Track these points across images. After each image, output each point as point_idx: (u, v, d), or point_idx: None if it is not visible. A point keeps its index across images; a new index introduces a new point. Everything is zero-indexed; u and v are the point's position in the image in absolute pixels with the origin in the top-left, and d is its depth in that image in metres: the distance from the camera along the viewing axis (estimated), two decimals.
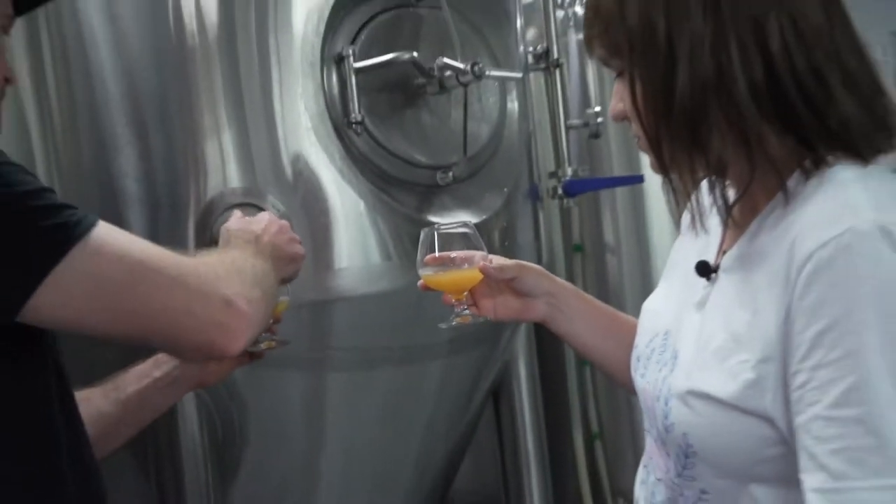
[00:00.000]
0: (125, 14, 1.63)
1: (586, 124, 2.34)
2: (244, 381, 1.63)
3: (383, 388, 1.79)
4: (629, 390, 1.34)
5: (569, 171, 2.26)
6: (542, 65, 2.26)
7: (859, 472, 0.89)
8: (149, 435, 1.58)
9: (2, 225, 1.11)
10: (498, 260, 1.36)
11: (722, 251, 1.12)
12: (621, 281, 2.98)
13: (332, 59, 1.64)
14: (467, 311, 1.34)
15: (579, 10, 2.84)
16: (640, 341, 1.21)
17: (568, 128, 2.29)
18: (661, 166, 1.07)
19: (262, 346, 1.41)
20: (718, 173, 1.05)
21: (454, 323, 1.34)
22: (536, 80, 2.41)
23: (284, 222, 1.39)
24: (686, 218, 1.22)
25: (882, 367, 0.90)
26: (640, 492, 1.18)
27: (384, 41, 1.69)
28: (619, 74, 1.10)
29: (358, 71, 1.62)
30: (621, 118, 1.12)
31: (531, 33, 2.65)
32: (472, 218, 1.79)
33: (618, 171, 2.62)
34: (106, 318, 1.17)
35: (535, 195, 2.09)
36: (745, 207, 1.09)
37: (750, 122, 1.00)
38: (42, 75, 1.68)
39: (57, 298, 1.12)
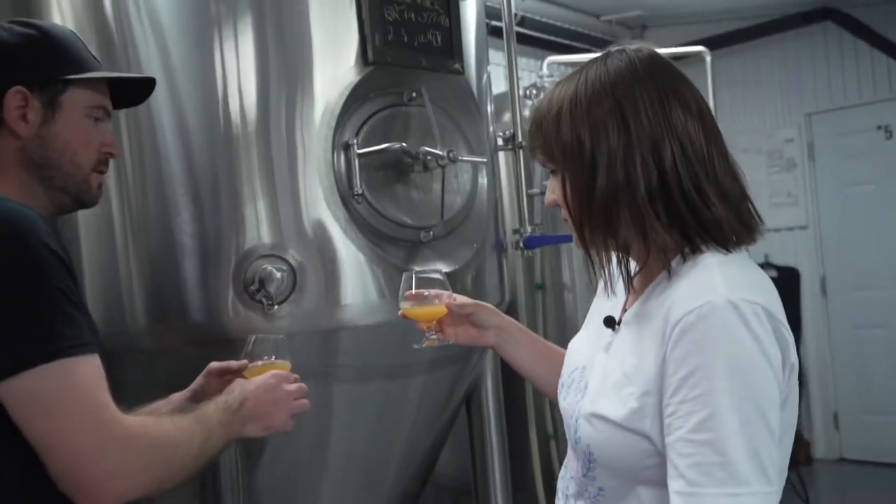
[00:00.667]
0: (187, 108, 1.76)
1: (542, 193, 2.47)
2: None
3: (376, 396, 1.90)
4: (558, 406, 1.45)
5: (528, 229, 2.40)
6: (510, 146, 2.40)
7: (708, 482, 1.01)
8: None
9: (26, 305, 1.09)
10: (461, 298, 1.45)
11: (624, 309, 1.24)
12: (576, 312, 3.09)
13: (340, 146, 1.77)
14: (434, 336, 1.45)
15: None
16: (564, 372, 1.32)
17: (529, 196, 2.43)
18: (583, 244, 1.19)
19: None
20: (624, 252, 1.17)
21: (424, 345, 1.45)
22: (505, 157, 2.55)
23: (286, 388, 1.39)
24: (601, 283, 1.35)
25: (727, 405, 1.02)
26: (560, 484, 1.29)
27: (381, 132, 1.82)
28: (553, 172, 1.20)
29: (360, 155, 1.76)
30: (553, 205, 1.23)
31: (506, 116, 2.79)
32: (447, 267, 1.92)
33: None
34: (25, 417, 1.09)
35: (500, 247, 2.22)
36: (643, 277, 1.21)
37: (647, 218, 1.12)
38: (120, 147, 1.75)
39: (21, 386, 1.07)
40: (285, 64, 1.79)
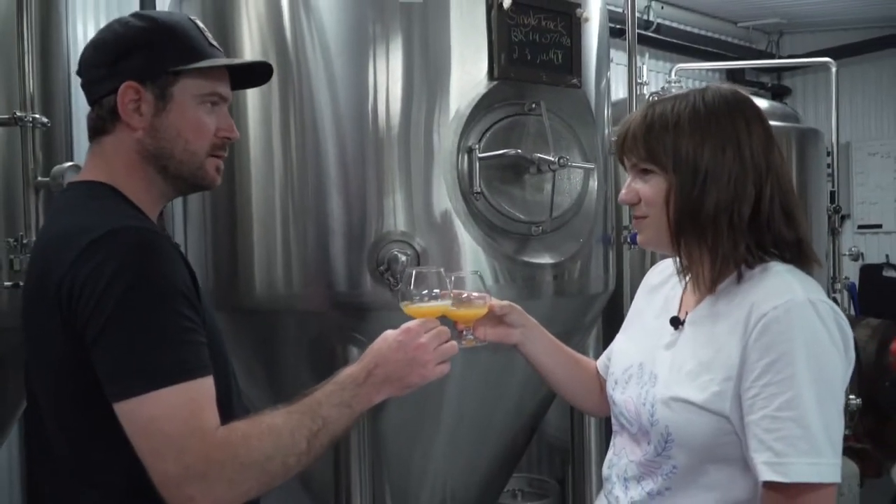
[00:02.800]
0: (344, 113, 1.88)
1: None
2: None
3: (485, 365, 1.97)
4: (571, 403, 1.51)
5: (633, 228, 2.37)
6: None
7: (794, 452, 1.07)
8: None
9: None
10: (494, 300, 1.41)
11: (684, 311, 1.26)
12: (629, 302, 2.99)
13: (465, 150, 1.84)
14: (472, 337, 1.38)
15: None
16: (616, 370, 1.36)
17: None
18: (675, 247, 1.21)
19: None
20: (714, 257, 1.18)
21: (463, 345, 1.35)
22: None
23: (419, 342, 1.25)
24: (661, 277, 1.36)
25: (807, 387, 1.07)
26: (612, 471, 1.32)
27: (502, 138, 1.88)
28: (643, 173, 1.22)
29: (481, 158, 1.83)
30: (630, 203, 1.25)
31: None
32: (552, 258, 1.96)
33: None
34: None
35: (606, 241, 2.22)
36: (705, 281, 1.23)
37: (738, 232, 1.17)
38: (288, 145, 1.92)
39: (124, 410, 1.03)
40: (426, 78, 1.88)
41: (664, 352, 1.25)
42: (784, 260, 1.18)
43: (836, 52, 3.97)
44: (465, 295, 1.36)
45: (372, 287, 1.80)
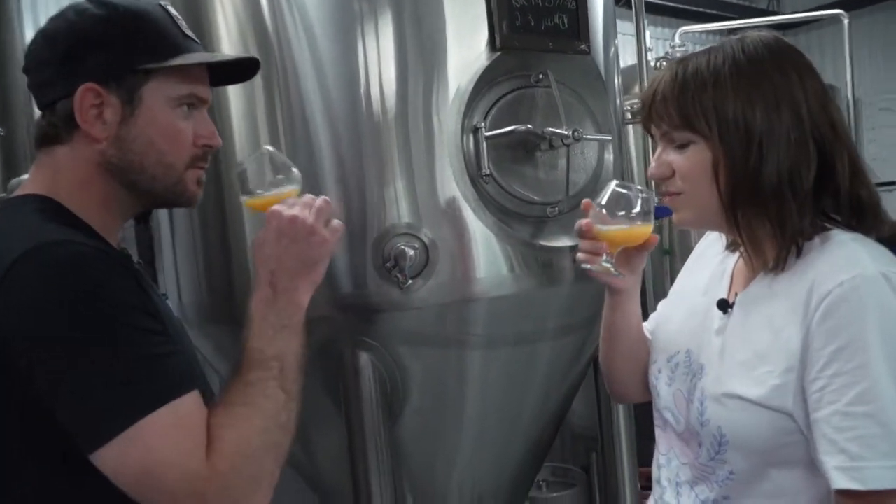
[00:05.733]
0: (334, 98, 1.71)
1: None
2: (406, 353, 1.71)
3: (506, 361, 1.82)
4: (612, 383, 1.28)
5: (656, 200, 2.21)
6: (638, 119, 2.21)
7: (871, 454, 0.89)
8: (340, 387, 1.69)
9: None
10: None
11: (734, 292, 1.10)
12: (675, 273, 2.86)
13: (469, 130, 1.67)
14: (611, 264, 1.12)
15: None
16: (659, 357, 1.18)
17: None
18: (734, 225, 1.03)
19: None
20: (783, 232, 1.00)
21: (597, 269, 1.12)
22: (635, 129, 2.36)
23: (303, 225, 1.04)
24: (712, 249, 1.19)
25: (886, 376, 0.89)
26: (663, 473, 1.16)
27: (508, 114, 1.70)
28: (680, 146, 1.03)
29: (488, 137, 1.66)
30: (663, 178, 1.08)
31: (635, 89, 2.59)
32: (572, 241, 1.80)
33: None
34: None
35: None
36: (756, 257, 1.06)
37: (804, 203, 0.99)
38: (276, 138, 1.75)
39: (105, 458, 0.88)
40: (421, 54, 1.70)
41: (714, 338, 1.09)
42: (849, 227, 1.01)
43: (845, 4, 3.77)
44: (622, 204, 1.08)
45: (378, 286, 1.64)
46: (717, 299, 1.11)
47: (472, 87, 1.67)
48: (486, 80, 1.69)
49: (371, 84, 1.69)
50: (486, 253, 1.68)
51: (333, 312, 1.70)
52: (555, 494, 2.68)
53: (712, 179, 1.01)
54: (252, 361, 1.01)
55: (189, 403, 0.93)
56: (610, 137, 1.84)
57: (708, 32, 4.27)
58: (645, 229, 1.11)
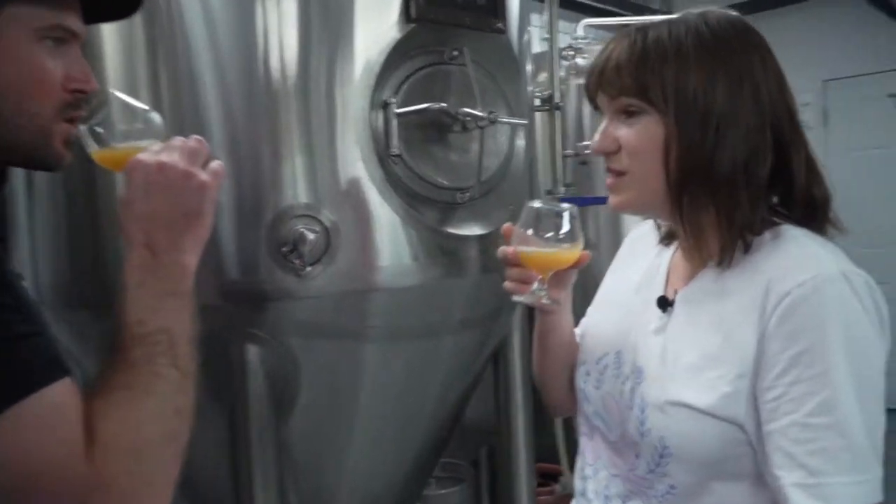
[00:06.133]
0: (227, 61, 1.53)
1: (577, 154, 2.24)
2: (299, 346, 1.56)
3: (407, 355, 1.71)
4: (548, 394, 1.20)
5: (562, 190, 2.17)
6: (546, 107, 2.16)
7: (834, 469, 0.82)
8: (224, 379, 1.52)
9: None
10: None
11: (673, 290, 1.03)
12: (601, 269, 2.87)
13: (379, 105, 1.54)
14: (545, 292, 1.03)
15: (580, 61, 2.72)
16: (587, 358, 1.09)
17: (564, 157, 2.20)
18: (676, 214, 0.94)
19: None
20: (730, 224, 0.92)
21: (527, 302, 1.03)
22: (542, 117, 2.30)
23: (159, 161, 0.87)
24: (643, 242, 1.13)
25: (848, 385, 0.83)
26: (586, 485, 1.06)
27: (420, 91, 1.59)
28: (632, 114, 0.93)
29: (399, 115, 1.53)
30: (607, 153, 0.96)
31: (541, 77, 2.53)
32: (481, 229, 1.71)
33: (600, 190, 2.50)
34: None
35: None
36: (699, 251, 1.00)
37: (758, 192, 0.92)
38: (159, 99, 1.56)
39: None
40: (327, 20, 1.55)
41: (652, 339, 1.00)
42: (797, 222, 0.95)
43: (748, 7, 3.88)
44: (544, 226, 0.99)
45: (272, 272, 1.47)
46: (652, 296, 1.03)
47: (383, 59, 1.54)
48: (398, 53, 1.56)
49: (270, 49, 1.53)
50: (391, 239, 1.56)
51: (218, 301, 1.52)
52: (444, 491, 2.60)
53: (662, 158, 0.93)
54: (133, 337, 0.85)
55: (62, 392, 0.78)
56: (526, 122, 1.76)
57: (614, 27, 4.31)
58: (576, 249, 1.02)
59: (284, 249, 1.43)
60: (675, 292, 1.00)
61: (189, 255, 0.90)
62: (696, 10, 0.96)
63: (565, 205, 1.02)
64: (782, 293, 0.86)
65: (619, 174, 0.97)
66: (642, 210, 1.02)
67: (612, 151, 0.97)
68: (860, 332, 0.86)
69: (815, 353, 0.84)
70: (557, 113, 2.15)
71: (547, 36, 2.58)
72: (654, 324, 1.01)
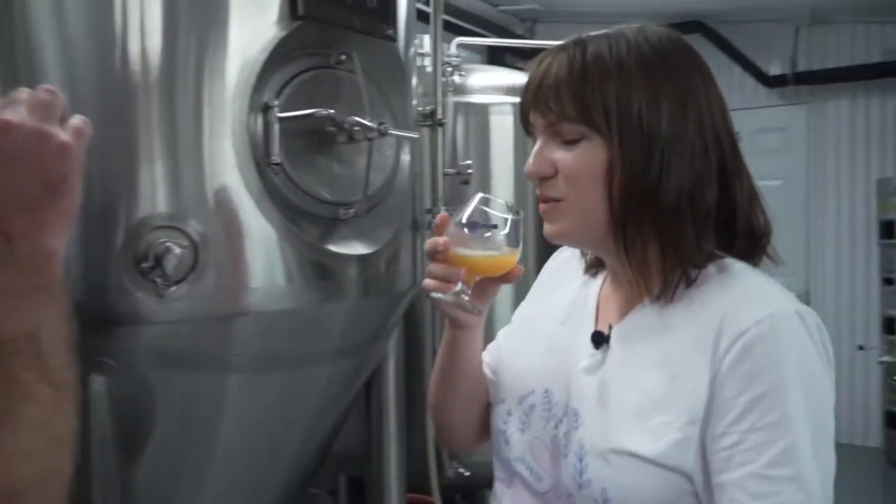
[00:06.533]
0: (77, 45, 1.33)
1: (458, 173, 2.17)
2: (153, 376, 1.36)
3: (277, 385, 1.55)
4: (448, 429, 1.09)
5: (442, 209, 2.09)
6: (429, 122, 2.07)
7: None
8: None
9: None
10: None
11: (607, 324, 0.95)
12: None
13: (259, 107, 1.38)
14: (467, 296, 0.92)
15: (457, 78, 2.66)
16: (508, 395, 0.99)
17: (445, 175, 2.12)
18: (619, 245, 0.87)
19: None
20: (677, 256, 0.86)
21: (447, 299, 0.91)
22: (421, 133, 2.21)
23: (6, 122, 0.67)
24: (566, 270, 1.05)
25: (806, 433, 0.78)
26: None
27: (304, 96, 1.44)
28: (571, 139, 0.86)
29: (281, 119, 1.38)
30: (542, 178, 0.89)
31: (419, 91, 2.44)
32: (365, 248, 1.58)
33: None
34: None
35: (415, 228, 1.90)
36: (634, 284, 0.92)
37: (703, 222, 0.85)
38: None
39: None
40: (195, 4, 1.37)
41: (585, 378, 0.91)
42: (736, 255, 0.90)
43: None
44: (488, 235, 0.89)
45: (125, 292, 1.27)
46: (581, 330, 0.95)
47: (265, 57, 1.38)
48: (281, 52, 1.41)
49: (129, 32, 1.33)
50: (266, 257, 1.40)
51: None
52: None
53: (604, 184, 0.85)
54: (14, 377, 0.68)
55: None
56: (416, 135, 1.66)
57: (482, 46, 4.33)
58: (513, 256, 0.93)
59: (144, 266, 1.23)
60: (610, 327, 0.92)
61: (53, 236, 0.71)
62: (633, 25, 0.90)
63: (510, 204, 0.93)
64: (738, 331, 0.80)
65: (554, 202, 0.88)
66: (580, 240, 0.94)
67: (548, 176, 0.88)
68: (814, 374, 0.81)
69: (774, 397, 0.78)
70: (440, 129, 2.07)
71: (422, 51, 2.51)
72: (587, 361, 0.93)
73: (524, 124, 0.93)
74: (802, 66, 5.36)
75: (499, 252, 0.91)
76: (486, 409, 1.06)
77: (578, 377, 0.92)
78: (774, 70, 5.39)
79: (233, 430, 1.54)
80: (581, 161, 0.86)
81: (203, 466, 1.54)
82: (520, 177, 2.77)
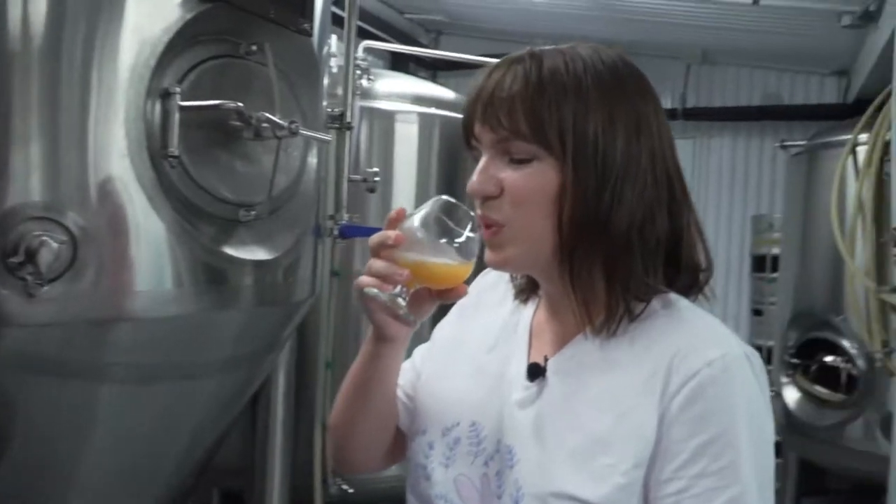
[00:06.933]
0: None
1: (365, 180, 2.09)
2: (14, 384, 1.21)
3: (158, 398, 1.41)
4: (352, 449, 1.00)
5: (345, 217, 2.00)
6: (336, 125, 1.99)
7: None
8: None
9: None
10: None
11: (542, 355, 0.88)
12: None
13: (157, 93, 1.25)
14: (404, 302, 0.84)
15: (364, 82, 2.58)
16: (429, 426, 0.91)
17: (350, 181, 2.03)
18: (566, 274, 0.82)
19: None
20: (624, 288, 0.82)
21: (383, 298, 0.82)
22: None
23: None
24: (494, 294, 0.99)
25: (752, 478, 0.75)
26: None
27: (209, 85, 1.33)
28: (522, 161, 0.81)
29: (182, 108, 1.26)
30: (486, 198, 0.83)
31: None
32: (266, 254, 1.48)
33: (375, 220, 2.34)
34: None
35: (317, 234, 1.80)
36: (572, 316, 0.87)
37: (652, 254, 0.82)
38: None
39: None
40: None
41: (518, 412, 0.85)
42: (678, 291, 0.86)
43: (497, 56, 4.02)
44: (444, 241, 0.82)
45: None
46: (511, 360, 0.88)
47: (168, 38, 1.26)
48: (187, 35, 1.29)
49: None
50: (154, 257, 1.28)
51: None
52: None
53: (553, 210, 0.80)
54: None
55: None
56: (329, 138, 1.57)
57: (386, 53, 4.25)
58: (465, 270, 0.86)
59: (12, 261, 1.08)
60: (545, 359, 0.87)
61: None
62: (585, 43, 0.86)
63: (472, 213, 0.85)
64: (690, 372, 0.77)
65: (497, 227, 0.82)
66: (525, 269, 0.88)
67: (492, 196, 0.82)
68: (761, 419, 0.78)
69: (724, 442, 0.75)
70: (348, 133, 1.98)
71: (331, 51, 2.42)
72: (520, 393, 0.86)
73: (466, 138, 0.86)
74: (691, 103, 5.61)
75: (451, 261, 0.84)
76: (397, 434, 0.98)
77: (511, 410, 0.86)
78: (665, 104, 5.63)
79: (102, 448, 1.39)
80: (531, 182, 0.80)
81: (68, 481, 1.38)
82: (422, 187, 2.72)
